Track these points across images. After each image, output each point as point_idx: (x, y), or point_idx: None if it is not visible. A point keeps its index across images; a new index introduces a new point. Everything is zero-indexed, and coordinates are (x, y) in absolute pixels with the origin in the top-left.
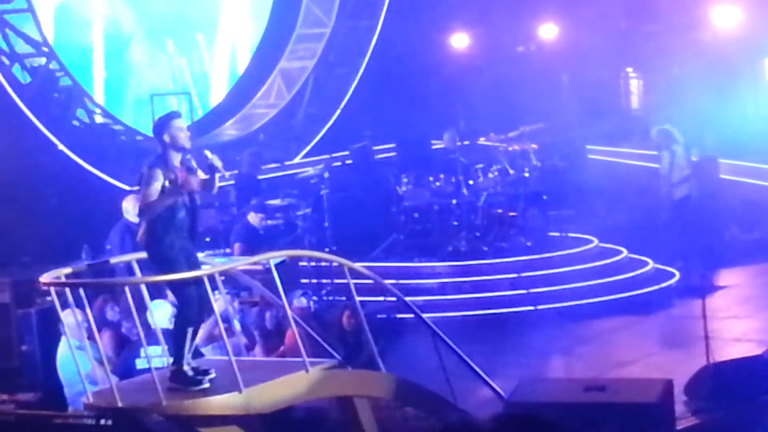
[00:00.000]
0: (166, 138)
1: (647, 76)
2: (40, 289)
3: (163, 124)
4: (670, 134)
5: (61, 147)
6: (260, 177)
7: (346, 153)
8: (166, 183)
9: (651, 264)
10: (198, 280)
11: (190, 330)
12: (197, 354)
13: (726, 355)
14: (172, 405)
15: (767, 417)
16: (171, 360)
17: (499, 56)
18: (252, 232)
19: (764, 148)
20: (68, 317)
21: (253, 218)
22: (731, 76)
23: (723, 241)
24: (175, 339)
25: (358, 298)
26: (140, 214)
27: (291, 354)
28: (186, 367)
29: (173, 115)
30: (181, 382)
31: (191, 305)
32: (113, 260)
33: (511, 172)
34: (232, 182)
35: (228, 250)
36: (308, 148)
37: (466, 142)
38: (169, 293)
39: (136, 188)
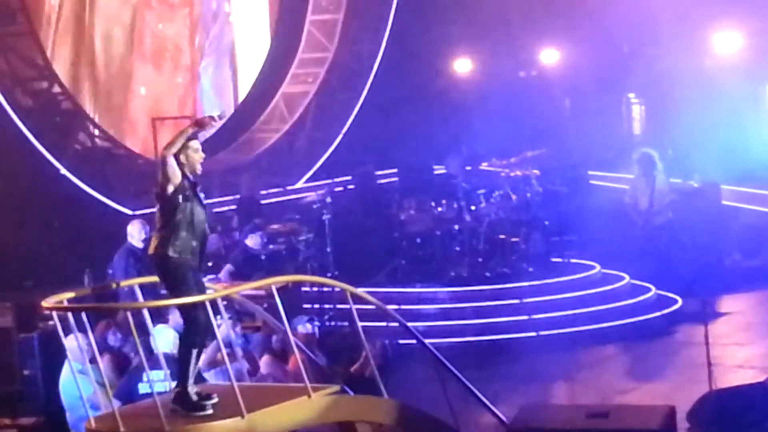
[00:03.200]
0: (183, 158)
1: (649, 102)
2: (42, 313)
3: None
4: (653, 159)
5: (63, 171)
6: (263, 201)
7: (349, 178)
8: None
9: (653, 290)
10: (203, 304)
11: (194, 351)
12: (200, 379)
13: (728, 381)
14: (175, 430)
15: None
16: (174, 383)
17: (502, 82)
18: (250, 255)
19: (766, 174)
20: (70, 341)
21: (251, 241)
22: (733, 101)
23: (725, 268)
24: (180, 361)
25: (360, 324)
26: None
27: (294, 379)
28: (191, 390)
29: (191, 136)
30: (185, 405)
31: (198, 327)
32: (116, 284)
33: (514, 197)
34: (234, 207)
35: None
36: (310, 173)
37: (468, 168)
38: (171, 318)
39: (139, 213)
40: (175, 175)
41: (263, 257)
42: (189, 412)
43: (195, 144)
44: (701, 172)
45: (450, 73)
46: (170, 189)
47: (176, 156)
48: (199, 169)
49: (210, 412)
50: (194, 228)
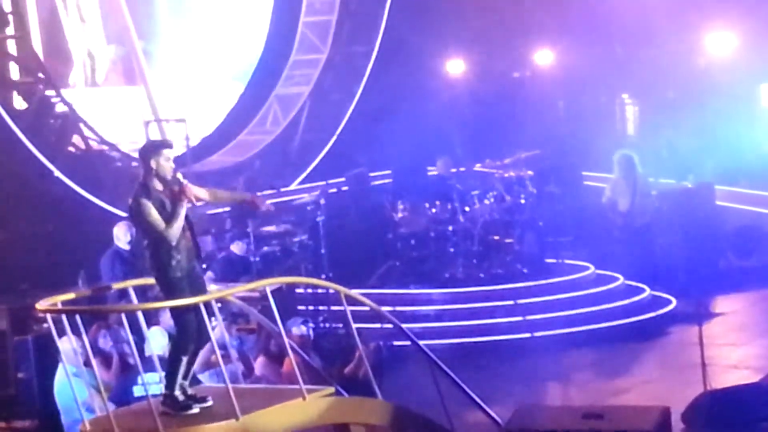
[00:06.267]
0: (153, 164)
1: (643, 103)
2: (37, 316)
3: (154, 149)
4: (632, 161)
5: (57, 173)
6: None
7: (342, 179)
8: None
9: (648, 291)
10: (197, 307)
11: (184, 359)
12: (195, 381)
13: (723, 382)
14: None
15: None
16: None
17: (495, 82)
18: (235, 261)
19: (760, 175)
20: (65, 344)
21: (236, 247)
22: (727, 102)
23: (719, 268)
24: (169, 366)
25: (354, 325)
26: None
27: (289, 381)
28: (177, 392)
29: (166, 144)
30: (172, 406)
31: (189, 333)
32: (109, 287)
33: (507, 198)
34: (228, 209)
35: None
36: (304, 174)
37: (462, 169)
38: (163, 320)
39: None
40: (159, 219)
41: (257, 259)
42: (176, 412)
43: (168, 152)
44: (695, 173)
45: (443, 74)
46: (158, 229)
47: (147, 163)
48: (169, 176)
49: (196, 411)
50: (177, 244)
